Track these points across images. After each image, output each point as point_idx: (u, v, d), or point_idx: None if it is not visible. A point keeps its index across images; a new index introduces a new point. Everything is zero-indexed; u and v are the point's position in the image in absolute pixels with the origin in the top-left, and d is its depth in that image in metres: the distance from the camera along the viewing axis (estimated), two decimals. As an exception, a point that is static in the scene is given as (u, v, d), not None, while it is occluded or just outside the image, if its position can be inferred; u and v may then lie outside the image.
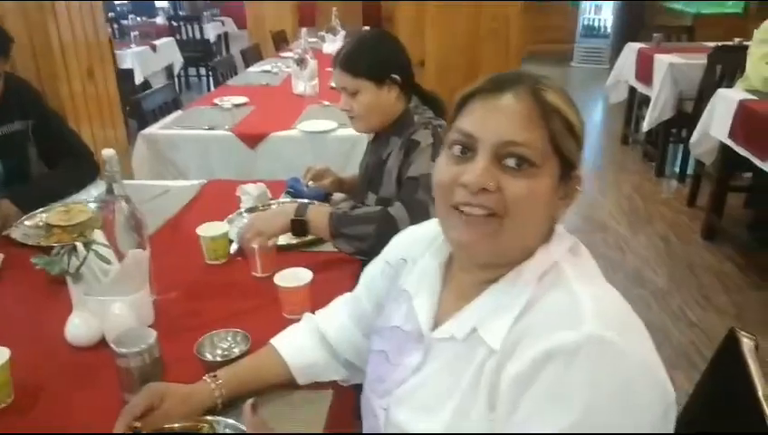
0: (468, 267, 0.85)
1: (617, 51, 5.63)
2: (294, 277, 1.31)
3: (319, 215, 1.52)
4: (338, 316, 1.11)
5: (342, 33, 4.76)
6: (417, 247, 0.97)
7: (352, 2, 8.68)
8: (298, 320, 1.17)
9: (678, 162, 4.49)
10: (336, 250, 1.52)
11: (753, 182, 3.69)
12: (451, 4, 4.56)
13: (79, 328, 1.21)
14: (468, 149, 0.79)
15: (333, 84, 1.79)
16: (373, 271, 1.07)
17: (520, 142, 0.76)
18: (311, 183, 1.93)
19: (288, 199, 1.92)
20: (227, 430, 0.96)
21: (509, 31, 4.61)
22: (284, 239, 1.63)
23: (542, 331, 0.70)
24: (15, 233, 1.71)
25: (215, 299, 1.40)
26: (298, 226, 1.53)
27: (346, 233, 1.48)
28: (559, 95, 0.79)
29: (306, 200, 1.84)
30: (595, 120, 6.48)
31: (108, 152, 1.27)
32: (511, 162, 0.76)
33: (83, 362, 1.18)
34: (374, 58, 1.66)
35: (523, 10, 4.72)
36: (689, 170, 4.28)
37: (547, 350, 0.67)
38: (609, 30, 8.50)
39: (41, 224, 1.79)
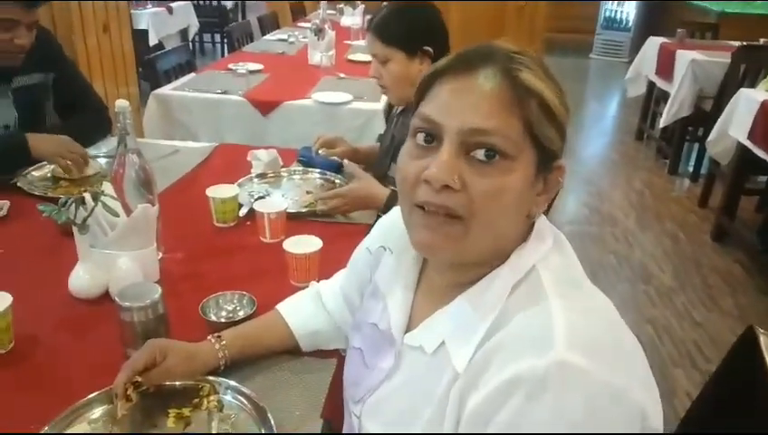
0: (438, 268, 0.79)
1: (637, 45, 5.54)
2: (304, 245, 1.29)
3: None
4: (334, 290, 1.08)
5: (362, 6, 4.69)
6: (396, 234, 0.85)
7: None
8: (304, 287, 1.15)
9: (692, 161, 4.44)
10: (346, 221, 1.50)
11: (768, 186, 3.65)
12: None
13: (83, 280, 1.20)
14: (433, 137, 0.69)
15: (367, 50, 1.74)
16: (356, 257, 1.00)
17: (489, 130, 0.66)
18: (321, 151, 1.90)
19: (300, 168, 1.89)
20: (228, 392, 0.95)
21: (536, 10, 4.56)
22: (294, 207, 1.61)
23: (508, 356, 0.62)
24: (22, 182, 1.69)
25: (221, 261, 1.38)
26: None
27: None
28: (536, 73, 0.68)
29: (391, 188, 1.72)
30: (610, 113, 6.42)
31: (121, 103, 1.24)
32: (480, 154, 0.66)
33: (85, 315, 1.17)
34: (408, 27, 1.62)
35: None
36: (703, 170, 4.24)
37: (510, 380, 0.60)
38: (630, 23, 8.36)
39: (48, 175, 1.77)
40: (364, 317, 0.89)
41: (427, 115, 0.69)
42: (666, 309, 2.84)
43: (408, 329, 0.79)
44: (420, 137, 0.70)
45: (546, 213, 0.77)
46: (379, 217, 1.52)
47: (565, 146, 0.72)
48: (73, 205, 1.18)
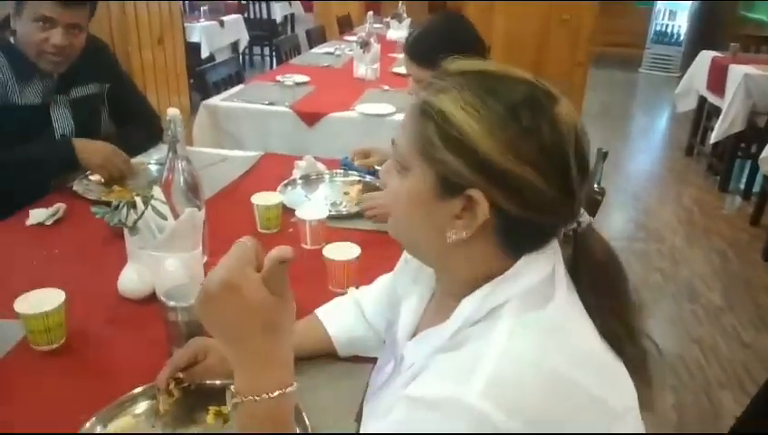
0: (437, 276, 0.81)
1: (689, 59, 5.43)
2: (343, 252, 1.31)
3: None
4: (376, 296, 1.09)
5: (408, 20, 4.74)
6: None
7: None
8: (343, 294, 1.17)
9: (744, 179, 4.31)
10: (385, 230, 1.52)
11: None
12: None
13: (131, 280, 1.25)
14: None
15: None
16: (399, 265, 1.00)
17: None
18: (356, 162, 1.95)
19: (341, 170, 1.96)
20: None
21: (581, 23, 4.52)
22: (335, 209, 1.65)
23: (431, 376, 0.64)
24: (78, 186, 1.77)
25: (263, 266, 1.42)
26: None
27: None
28: (454, 99, 0.65)
29: None
30: (660, 128, 6.28)
31: (172, 112, 1.29)
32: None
33: (133, 314, 1.22)
34: (436, 47, 1.61)
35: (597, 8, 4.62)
36: (755, 188, 4.11)
37: (414, 396, 0.62)
38: (682, 37, 8.18)
39: (102, 181, 1.85)
40: (395, 317, 0.91)
41: None
42: (713, 329, 2.76)
43: (415, 335, 0.81)
44: None
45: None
46: None
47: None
48: (125, 207, 1.24)
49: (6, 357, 1.08)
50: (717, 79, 4.37)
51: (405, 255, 0.97)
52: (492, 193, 0.65)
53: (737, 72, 4.09)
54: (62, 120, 1.89)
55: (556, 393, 0.60)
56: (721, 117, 4.16)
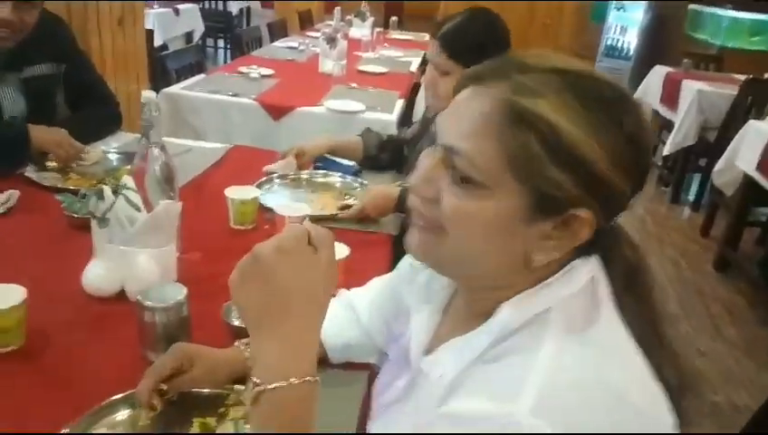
0: (459, 291, 0.74)
1: (638, 73, 5.57)
2: (329, 251, 1.23)
3: None
4: (372, 300, 1.02)
5: (371, 19, 4.68)
6: None
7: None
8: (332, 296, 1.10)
9: (694, 191, 4.44)
10: (370, 230, 1.46)
11: (770, 219, 3.65)
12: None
13: (98, 276, 1.14)
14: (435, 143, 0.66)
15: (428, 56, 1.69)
16: (401, 267, 0.94)
17: (460, 152, 0.60)
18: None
19: (320, 172, 1.86)
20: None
21: (529, 36, 4.55)
22: (317, 211, 1.57)
23: (473, 389, 0.59)
24: (30, 172, 1.63)
25: (240, 264, 1.33)
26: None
27: None
28: (553, 102, 0.57)
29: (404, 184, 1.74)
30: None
31: (148, 95, 1.19)
32: (453, 173, 0.61)
33: (99, 313, 1.11)
34: (478, 45, 1.52)
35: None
36: (704, 200, 4.24)
37: (457, 413, 0.57)
38: (631, 52, 8.44)
39: (58, 166, 1.71)
40: (402, 328, 0.85)
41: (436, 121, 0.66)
42: (670, 336, 2.80)
43: (430, 351, 0.74)
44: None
45: None
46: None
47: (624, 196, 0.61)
48: (93, 197, 1.13)
49: (-45, 360, 0.95)
50: (671, 93, 4.49)
51: (410, 264, 0.89)
52: (595, 208, 0.59)
53: (691, 87, 4.21)
54: (11, 101, 1.74)
55: (611, 409, 0.54)
56: (674, 131, 4.27)
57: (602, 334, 0.60)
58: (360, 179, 1.80)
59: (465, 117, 0.61)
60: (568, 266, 0.64)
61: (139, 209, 1.14)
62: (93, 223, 1.13)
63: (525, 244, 0.61)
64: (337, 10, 3.79)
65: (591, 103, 0.58)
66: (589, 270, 0.64)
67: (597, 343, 0.58)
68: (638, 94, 5.09)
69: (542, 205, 0.59)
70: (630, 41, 8.46)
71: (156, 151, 1.22)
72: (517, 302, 0.63)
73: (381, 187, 1.64)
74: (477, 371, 0.61)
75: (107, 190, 1.14)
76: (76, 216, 1.32)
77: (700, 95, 4.12)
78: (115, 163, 1.78)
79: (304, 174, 1.82)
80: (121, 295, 1.13)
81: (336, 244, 1.24)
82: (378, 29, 4.57)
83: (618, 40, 8.52)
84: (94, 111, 1.94)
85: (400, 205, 1.52)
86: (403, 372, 0.77)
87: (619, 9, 8.45)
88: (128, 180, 1.20)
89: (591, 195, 0.59)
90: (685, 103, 4.22)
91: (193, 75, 2.99)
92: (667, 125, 4.55)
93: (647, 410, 0.57)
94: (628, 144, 0.59)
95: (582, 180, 0.58)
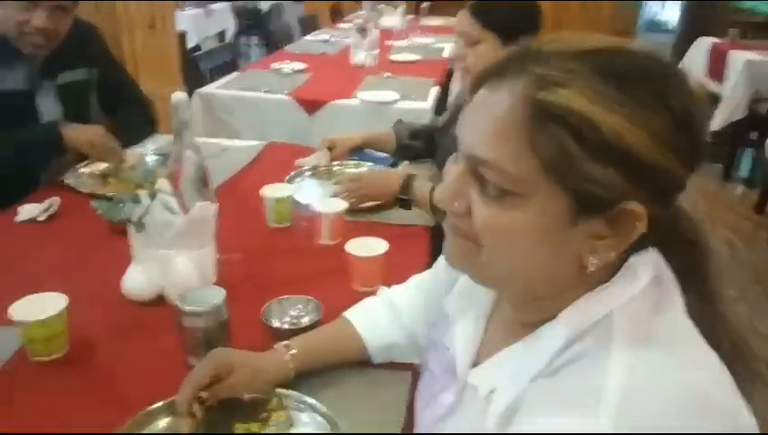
0: (507, 299, 0.69)
1: (681, 47, 5.35)
2: (367, 247, 1.20)
3: (423, 192, 1.46)
4: (411, 300, 0.98)
5: (402, 6, 4.62)
6: None
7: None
8: (370, 294, 1.06)
9: (747, 166, 4.25)
10: (410, 224, 1.44)
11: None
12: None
13: (138, 281, 1.13)
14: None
15: (457, 27, 1.61)
16: (440, 265, 0.89)
17: (486, 160, 0.54)
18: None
19: (352, 161, 1.86)
20: (299, 406, 0.87)
21: (567, 11, 4.40)
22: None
23: (544, 406, 0.53)
24: (70, 179, 1.65)
25: (279, 264, 1.31)
26: (402, 201, 1.52)
27: None
28: (585, 91, 0.51)
29: (411, 172, 1.71)
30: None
31: (178, 96, 1.18)
32: (482, 184, 0.56)
33: (140, 318, 1.11)
34: (512, 12, 1.48)
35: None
36: (758, 175, 4.05)
37: (530, 431, 0.52)
38: (674, 25, 8.16)
39: (96, 173, 1.72)
40: (439, 337, 0.79)
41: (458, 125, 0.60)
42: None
43: (477, 362, 0.70)
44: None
45: None
46: (399, 199, 1.50)
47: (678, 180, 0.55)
48: (129, 202, 1.12)
49: (1, 370, 0.96)
50: (717, 66, 4.31)
51: (449, 268, 0.81)
52: (646, 198, 0.53)
53: (738, 57, 4.03)
54: (48, 107, 1.75)
55: (698, 412, 0.49)
56: (722, 104, 4.10)
57: (672, 334, 0.55)
58: (393, 170, 1.76)
59: (485, 121, 0.55)
60: (626, 265, 0.58)
61: (175, 212, 1.13)
62: (130, 228, 1.13)
63: (575, 247, 0.56)
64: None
65: (627, 83, 0.51)
66: (650, 267, 0.59)
67: (668, 344, 0.53)
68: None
69: (584, 204, 0.53)
70: (672, 13, 8.18)
71: (189, 153, 1.20)
72: (576, 309, 0.58)
73: (386, 169, 1.68)
74: (541, 386, 0.56)
75: (142, 195, 1.14)
76: (114, 221, 1.32)
77: (749, 66, 3.94)
78: (154, 165, 1.79)
79: (335, 165, 1.80)
80: (161, 299, 1.13)
81: (374, 239, 1.23)
82: (409, 16, 4.50)
83: (657, 13, 8.24)
84: (130, 115, 1.95)
85: (405, 189, 1.51)
86: (449, 385, 0.72)
87: (658, -19, 8.18)
88: (163, 184, 1.19)
89: (641, 185, 0.53)
90: (733, 75, 4.04)
91: (226, 74, 3.00)
92: (714, 99, 4.37)
93: (730, 407, 0.52)
94: (676, 122, 0.52)
95: (628, 172, 0.52)
